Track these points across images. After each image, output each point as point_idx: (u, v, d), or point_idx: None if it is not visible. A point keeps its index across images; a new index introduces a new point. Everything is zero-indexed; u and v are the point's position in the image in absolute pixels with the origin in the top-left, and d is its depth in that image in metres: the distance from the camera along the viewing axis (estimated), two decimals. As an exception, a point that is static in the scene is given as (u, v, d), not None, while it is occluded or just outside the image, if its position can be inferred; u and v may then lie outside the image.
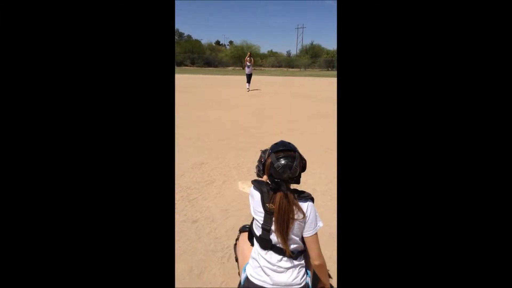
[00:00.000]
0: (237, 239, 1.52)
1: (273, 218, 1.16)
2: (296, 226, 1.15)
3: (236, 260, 1.46)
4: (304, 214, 1.15)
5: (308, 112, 6.98)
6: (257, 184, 1.24)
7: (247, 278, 1.24)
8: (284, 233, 1.14)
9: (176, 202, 2.45)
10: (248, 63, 11.00)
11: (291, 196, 1.15)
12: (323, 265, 1.17)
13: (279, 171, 1.13)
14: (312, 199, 1.21)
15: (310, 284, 1.24)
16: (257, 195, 1.21)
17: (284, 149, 1.18)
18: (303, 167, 1.22)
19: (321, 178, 2.99)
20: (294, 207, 1.15)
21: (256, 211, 1.21)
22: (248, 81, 11.11)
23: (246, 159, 3.53)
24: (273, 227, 1.17)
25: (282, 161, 1.14)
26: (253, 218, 1.27)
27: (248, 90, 10.98)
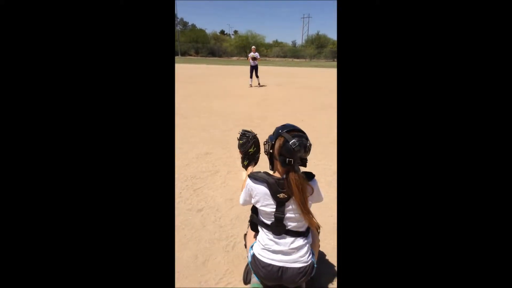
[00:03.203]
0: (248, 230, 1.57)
1: (291, 201, 1.18)
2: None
3: (245, 246, 1.51)
4: (313, 189, 1.21)
5: (313, 103, 6.92)
6: (258, 177, 1.22)
7: (254, 256, 1.28)
8: (306, 211, 1.18)
9: (181, 191, 2.48)
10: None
11: (302, 175, 1.18)
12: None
13: (295, 149, 1.10)
14: (313, 175, 1.27)
15: (315, 262, 1.29)
16: (261, 188, 1.20)
17: (295, 129, 1.18)
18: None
19: (325, 169, 2.99)
20: (307, 186, 1.19)
21: (265, 204, 1.21)
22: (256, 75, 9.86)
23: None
24: (289, 214, 1.20)
25: (297, 140, 1.11)
26: (254, 209, 1.31)
27: (258, 82, 9.93)
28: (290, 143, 1.11)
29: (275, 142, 1.18)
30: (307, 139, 1.16)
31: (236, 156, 3.34)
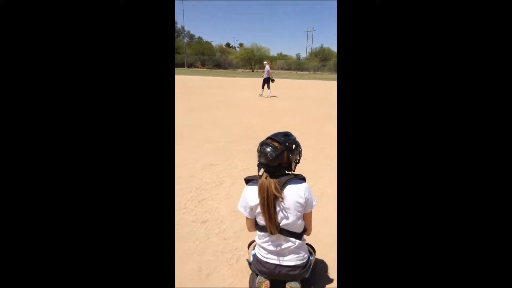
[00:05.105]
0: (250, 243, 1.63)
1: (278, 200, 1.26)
2: (293, 207, 1.26)
3: (248, 247, 1.63)
4: (282, 198, 1.26)
5: (317, 115, 6.95)
6: (250, 177, 1.37)
7: (254, 255, 1.39)
8: (266, 211, 1.25)
9: (186, 202, 2.48)
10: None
11: (272, 181, 1.25)
12: (310, 233, 1.40)
13: (258, 155, 1.29)
14: (304, 179, 1.33)
15: (312, 262, 1.40)
16: (253, 188, 1.32)
17: (273, 138, 1.29)
18: (290, 162, 1.31)
19: (330, 182, 2.97)
20: (274, 186, 1.24)
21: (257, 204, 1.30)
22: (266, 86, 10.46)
23: (254, 161, 3.51)
24: (280, 213, 1.28)
25: (262, 147, 1.27)
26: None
27: (263, 94, 10.47)
28: (257, 148, 1.29)
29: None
30: (275, 148, 1.25)
31: (240, 167, 3.35)
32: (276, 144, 1.26)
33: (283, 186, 1.26)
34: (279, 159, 1.25)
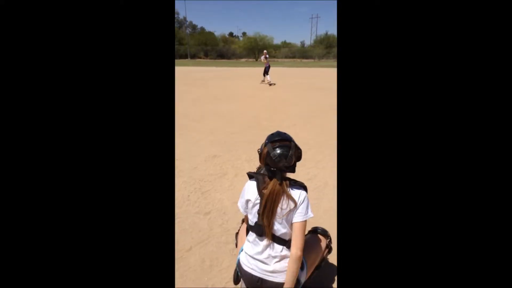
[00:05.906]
0: (240, 229, 1.57)
1: (262, 201, 1.18)
2: (287, 213, 1.18)
3: (236, 246, 1.52)
4: (295, 202, 1.17)
5: (321, 104, 6.88)
6: (252, 174, 1.29)
7: (238, 261, 1.29)
8: (269, 216, 1.18)
9: (189, 194, 2.51)
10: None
11: (284, 184, 1.19)
12: (301, 258, 1.14)
13: (275, 160, 1.17)
14: (305, 188, 1.25)
15: (301, 278, 1.23)
16: (253, 184, 1.25)
17: (280, 139, 1.22)
18: (298, 157, 1.25)
19: (333, 172, 2.96)
20: (284, 195, 1.18)
21: (255, 202, 1.22)
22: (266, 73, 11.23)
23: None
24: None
25: (278, 151, 1.18)
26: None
27: (265, 81, 11.15)
28: (271, 154, 1.18)
29: (261, 151, 1.24)
30: (290, 148, 1.19)
31: (244, 158, 3.36)
32: (287, 142, 1.20)
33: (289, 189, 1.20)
34: (295, 155, 1.21)
